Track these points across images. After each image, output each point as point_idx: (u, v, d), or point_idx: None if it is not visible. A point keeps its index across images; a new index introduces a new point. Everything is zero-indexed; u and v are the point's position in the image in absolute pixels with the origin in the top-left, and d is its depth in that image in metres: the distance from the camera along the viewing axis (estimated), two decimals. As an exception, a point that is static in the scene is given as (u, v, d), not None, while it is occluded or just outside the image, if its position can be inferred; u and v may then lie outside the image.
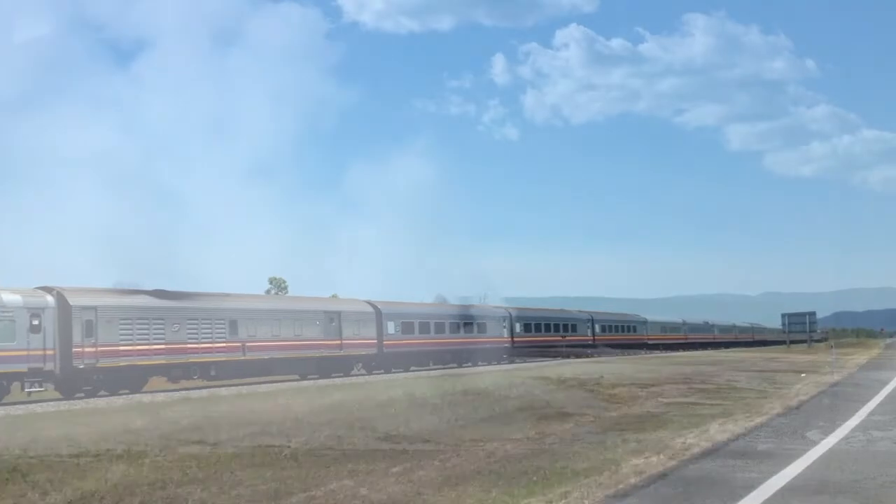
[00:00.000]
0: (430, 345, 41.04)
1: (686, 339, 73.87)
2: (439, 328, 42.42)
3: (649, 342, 65.38)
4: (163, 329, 28.17)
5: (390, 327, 39.04)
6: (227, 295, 31.24)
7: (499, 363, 45.43)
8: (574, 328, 53.77)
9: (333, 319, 35.55)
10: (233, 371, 30.43)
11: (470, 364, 44.15)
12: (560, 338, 50.52)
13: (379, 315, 38.37)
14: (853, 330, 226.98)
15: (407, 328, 40.06)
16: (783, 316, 74.98)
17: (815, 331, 76.89)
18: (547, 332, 51.07)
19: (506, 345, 47.38)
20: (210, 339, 29.59)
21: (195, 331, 29.17)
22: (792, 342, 72.03)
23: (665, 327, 71.16)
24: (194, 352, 29.01)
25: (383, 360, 38.15)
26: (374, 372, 37.33)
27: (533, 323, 50.12)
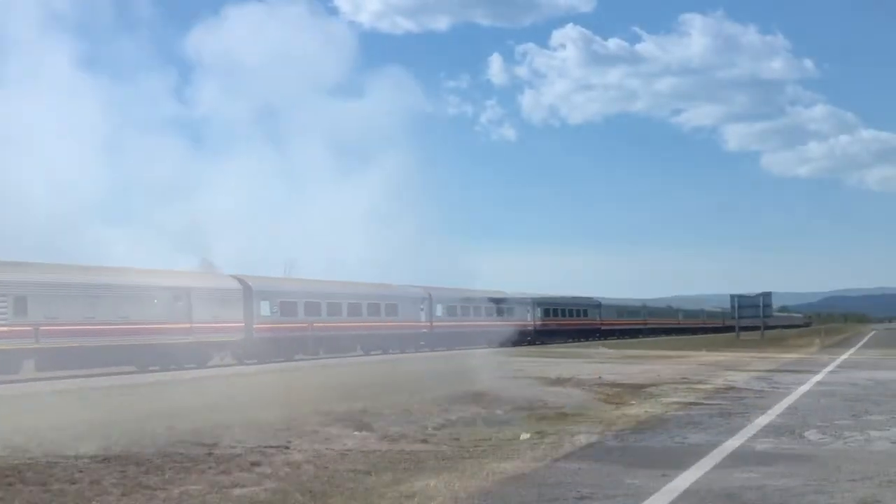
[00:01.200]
0: (321, 330, 33.94)
1: (646, 324, 67.10)
2: (334, 310, 35.29)
3: (603, 328, 58.58)
4: None
5: (264, 308, 31.85)
6: (16, 264, 23.82)
7: (416, 351, 38.72)
8: (510, 312, 46.73)
9: (180, 298, 28.26)
10: (19, 363, 23.19)
11: (380, 352, 37.41)
12: (491, 323, 43.42)
13: (248, 292, 31.14)
14: (843, 315, 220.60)
15: (288, 309, 32.87)
16: (732, 297, 61.93)
17: (769, 316, 65.06)
18: (477, 317, 44.03)
19: (423, 330, 40.40)
20: (-21, 322, 22.30)
21: (-45, 310, 21.86)
22: (742, 329, 61.91)
23: (621, 311, 64.25)
24: (-47, 338, 21.72)
25: (254, 348, 30.99)
26: (246, 362, 30.32)
27: (458, 305, 43.04)
